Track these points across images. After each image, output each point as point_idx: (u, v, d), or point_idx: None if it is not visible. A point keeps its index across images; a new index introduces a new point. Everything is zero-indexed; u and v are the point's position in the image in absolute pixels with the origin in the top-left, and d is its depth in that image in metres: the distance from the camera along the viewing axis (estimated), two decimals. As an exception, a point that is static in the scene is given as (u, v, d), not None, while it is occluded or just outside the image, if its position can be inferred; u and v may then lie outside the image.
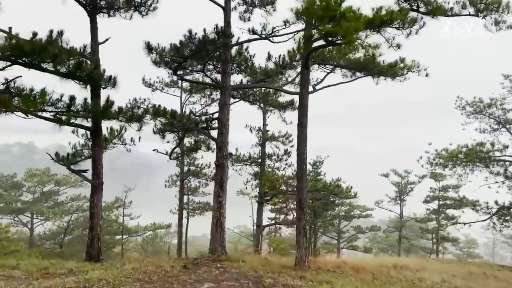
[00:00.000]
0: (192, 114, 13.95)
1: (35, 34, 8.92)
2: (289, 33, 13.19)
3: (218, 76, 14.81)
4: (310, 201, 29.05)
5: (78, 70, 9.05)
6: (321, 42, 11.15)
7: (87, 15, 11.15)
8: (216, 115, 15.55)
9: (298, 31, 13.67)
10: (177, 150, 27.55)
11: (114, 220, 36.89)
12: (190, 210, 28.38)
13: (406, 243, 51.13)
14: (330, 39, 8.88)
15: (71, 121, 10.75)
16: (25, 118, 9.29)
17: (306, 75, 11.71)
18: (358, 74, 14.93)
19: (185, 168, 27.23)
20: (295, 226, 31.17)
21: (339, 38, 8.42)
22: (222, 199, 13.40)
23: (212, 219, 13.63)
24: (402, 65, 12.54)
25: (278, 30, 13.48)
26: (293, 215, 28.26)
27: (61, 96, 9.13)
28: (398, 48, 10.02)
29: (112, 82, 10.09)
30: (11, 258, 29.21)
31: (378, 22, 8.01)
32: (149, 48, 11.06)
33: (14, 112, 8.88)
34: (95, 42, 10.82)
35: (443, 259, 39.31)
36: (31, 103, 8.16)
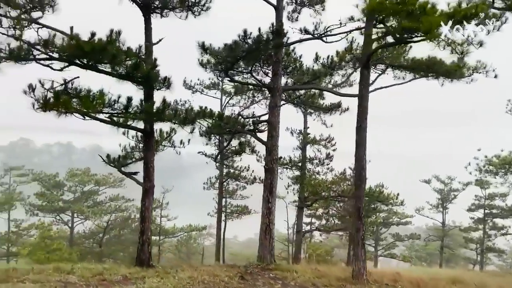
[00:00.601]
0: (240, 116, 13.57)
1: (93, 34, 8.76)
2: (343, 33, 12.55)
3: (263, 78, 14.41)
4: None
5: (135, 71, 8.80)
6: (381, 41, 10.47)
7: (142, 15, 10.97)
8: (263, 118, 15.13)
9: (352, 30, 13.05)
10: (215, 152, 27.46)
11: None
12: (228, 213, 28.09)
13: (447, 252, 48.87)
14: (407, 36, 8.21)
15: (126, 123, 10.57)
16: (82, 119, 9.15)
17: (367, 76, 11.04)
18: (412, 75, 14.11)
19: (224, 171, 26.96)
20: (337, 232, 30.42)
21: (419, 34, 7.74)
22: (271, 205, 12.92)
23: (260, 226, 13.17)
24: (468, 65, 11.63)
25: (331, 29, 12.88)
26: (334, 221, 27.42)
27: (118, 97, 8.92)
28: (480, 46, 9.17)
29: (167, 83, 9.82)
30: (54, 255, 30.03)
31: (461, 16, 7.28)
32: (203, 48, 10.74)
33: (73, 113, 8.73)
34: (149, 43, 10.60)
35: (493, 271, 37.15)
36: (90, 104, 7.96)
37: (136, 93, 10.98)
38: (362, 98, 10.77)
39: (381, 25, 9.90)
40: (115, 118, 10.31)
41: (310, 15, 14.98)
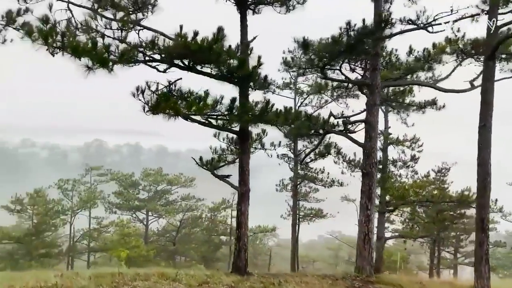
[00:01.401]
0: (332, 116, 12.72)
1: (196, 34, 8.41)
2: (454, 21, 11.18)
3: (349, 73, 13.41)
4: (436, 214, 26.08)
5: (239, 70, 8.32)
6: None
7: (238, 12, 10.53)
8: (354, 117, 14.13)
9: (462, 18, 11.63)
10: (288, 153, 26.78)
11: (221, 221, 37.48)
12: (301, 216, 27.29)
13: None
14: None
15: (220, 125, 10.18)
16: (186, 121, 8.85)
17: (492, 68, 9.67)
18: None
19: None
20: (420, 240, 28.33)
21: None
22: (370, 212, 11.90)
23: (358, 234, 12.21)
24: None
25: (439, 17, 11.57)
26: (418, 228, 25.47)
27: (221, 99, 8.49)
28: None
29: (266, 83, 9.27)
30: (133, 252, 31.07)
31: None
32: (305, 45, 10.04)
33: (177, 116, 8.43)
34: (245, 41, 10.12)
35: None
36: (198, 107, 7.58)
37: (226, 94, 10.61)
38: (487, 92, 9.43)
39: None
40: (211, 120, 9.97)
41: (404, 4, 13.75)
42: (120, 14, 9.04)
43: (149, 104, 7.69)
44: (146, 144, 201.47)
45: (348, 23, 9.71)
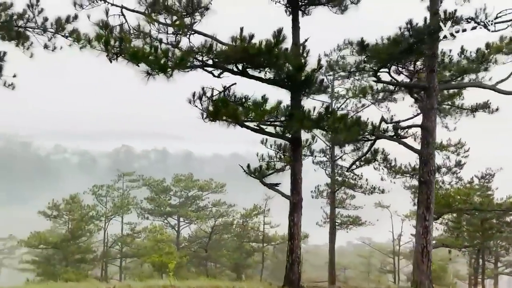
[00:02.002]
0: (383, 121, 12.06)
1: (251, 37, 8.03)
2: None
3: (397, 75, 12.74)
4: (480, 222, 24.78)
5: (297, 74, 7.87)
6: None
7: (288, 13, 10.12)
8: (405, 122, 13.42)
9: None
10: (323, 159, 26.12)
11: (253, 227, 37.00)
12: (338, 224, 26.48)
13: None
14: None
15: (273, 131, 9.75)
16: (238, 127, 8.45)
17: None
18: None
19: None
20: (464, 249, 27.03)
21: None
22: (429, 223, 11.16)
23: (415, 247, 11.50)
24: None
25: (500, 15, 10.79)
26: (463, 237, 24.28)
27: (279, 104, 8.05)
28: None
29: (323, 87, 8.78)
30: (167, 259, 31.03)
31: None
32: (362, 46, 9.48)
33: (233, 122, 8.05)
34: (297, 43, 9.68)
35: None
36: (258, 112, 7.17)
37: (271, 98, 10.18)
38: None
39: None
40: (262, 126, 9.55)
41: (456, 3, 12.99)
42: (171, 19, 8.77)
43: (207, 111, 7.33)
44: (172, 149, 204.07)
45: (410, 22, 9.11)
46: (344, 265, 54.92)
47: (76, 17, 10.25)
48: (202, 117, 7.50)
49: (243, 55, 7.60)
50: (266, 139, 11.44)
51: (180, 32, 7.98)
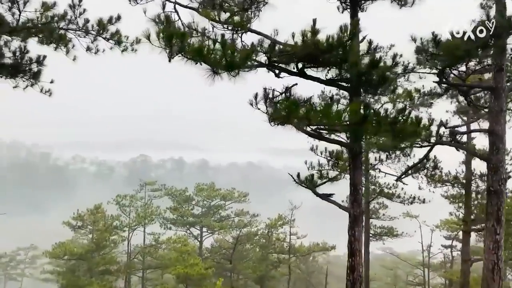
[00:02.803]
0: (442, 126, 11.14)
1: (316, 32, 7.26)
2: None
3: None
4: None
5: (370, 72, 7.06)
6: None
7: (344, 9, 9.35)
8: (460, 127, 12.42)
9: None
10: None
11: (278, 238, 35.96)
12: (372, 235, 25.39)
13: None
14: None
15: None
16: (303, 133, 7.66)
17: None
18: None
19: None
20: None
21: None
22: (500, 237, 10.11)
23: (484, 263, 10.43)
24: None
25: None
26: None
27: (347, 107, 7.23)
28: None
29: (392, 87, 7.94)
30: (190, 269, 30.28)
31: None
32: (436, 42, 8.57)
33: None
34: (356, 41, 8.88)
35: None
36: (332, 116, 6.36)
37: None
38: None
39: None
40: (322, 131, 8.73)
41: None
42: (225, 15, 8.08)
43: (275, 113, 6.57)
44: (188, 158, 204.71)
45: (487, 14, 8.25)
46: (369, 277, 53.06)
47: (119, 18, 9.69)
48: (269, 121, 6.74)
49: (310, 52, 6.82)
50: (317, 146, 10.63)
51: (238, 29, 7.27)
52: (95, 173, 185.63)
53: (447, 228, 37.30)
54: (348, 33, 6.68)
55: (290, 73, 8.14)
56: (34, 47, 10.61)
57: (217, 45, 6.07)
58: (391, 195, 22.07)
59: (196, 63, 6.23)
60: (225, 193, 40.71)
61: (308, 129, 8.43)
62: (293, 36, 7.35)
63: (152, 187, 41.46)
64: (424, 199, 21.62)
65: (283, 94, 7.44)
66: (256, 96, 7.00)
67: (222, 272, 38.80)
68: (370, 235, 25.45)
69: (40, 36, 9.70)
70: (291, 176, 10.54)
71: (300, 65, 7.88)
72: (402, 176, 15.28)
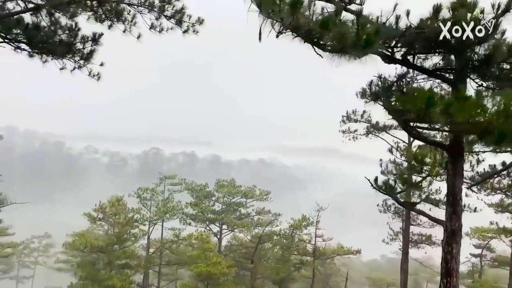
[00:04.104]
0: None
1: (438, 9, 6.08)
2: None
3: None
4: None
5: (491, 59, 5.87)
6: None
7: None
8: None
9: None
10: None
11: (302, 239, 34.80)
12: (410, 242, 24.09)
13: None
14: None
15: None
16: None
17: None
18: None
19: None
20: None
21: None
22: None
23: None
24: None
25: None
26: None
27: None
28: None
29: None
30: (212, 267, 29.34)
31: None
32: None
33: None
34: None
35: None
36: (479, 111, 5.19)
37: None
38: None
39: None
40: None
41: None
42: None
43: (391, 105, 5.43)
44: (200, 153, 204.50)
45: None
46: (388, 283, 51.83)
47: (181, -6, 8.61)
48: (388, 112, 5.61)
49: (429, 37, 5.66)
50: (398, 146, 9.41)
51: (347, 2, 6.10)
52: (107, 164, 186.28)
53: (477, 236, 35.82)
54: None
55: (391, 60, 6.99)
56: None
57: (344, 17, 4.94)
58: (437, 201, 20.71)
59: (314, 40, 5.10)
60: (246, 191, 39.67)
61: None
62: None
63: (171, 181, 40.51)
64: (475, 207, 20.24)
65: (396, 83, 6.26)
66: (371, 83, 5.84)
67: (239, 271, 37.83)
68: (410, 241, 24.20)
69: (97, 10, 8.66)
70: (368, 180, 9.36)
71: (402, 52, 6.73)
72: (475, 185, 13.97)
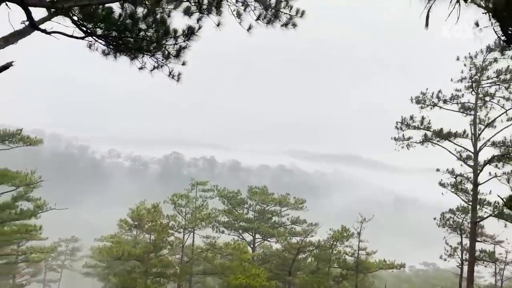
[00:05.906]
0: None
1: None
2: None
3: None
4: None
5: None
6: None
7: None
8: None
9: None
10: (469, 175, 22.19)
11: (346, 252, 33.11)
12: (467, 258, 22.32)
13: None
14: None
15: None
16: None
17: None
18: None
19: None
20: None
21: None
22: None
23: None
24: None
25: None
26: None
27: None
28: None
29: None
30: (251, 280, 28.08)
31: None
32: None
33: None
34: None
35: None
36: None
37: None
38: None
39: None
40: None
41: None
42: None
43: None
44: (220, 158, 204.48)
45: None
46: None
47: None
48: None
49: None
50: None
51: None
52: (129, 167, 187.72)
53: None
54: None
55: None
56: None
57: None
58: (507, 216, 19.02)
59: None
60: (280, 199, 38.43)
61: None
62: None
63: (203, 187, 39.49)
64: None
65: None
66: None
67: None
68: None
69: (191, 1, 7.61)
70: (501, 198, 7.99)
71: None
72: None
